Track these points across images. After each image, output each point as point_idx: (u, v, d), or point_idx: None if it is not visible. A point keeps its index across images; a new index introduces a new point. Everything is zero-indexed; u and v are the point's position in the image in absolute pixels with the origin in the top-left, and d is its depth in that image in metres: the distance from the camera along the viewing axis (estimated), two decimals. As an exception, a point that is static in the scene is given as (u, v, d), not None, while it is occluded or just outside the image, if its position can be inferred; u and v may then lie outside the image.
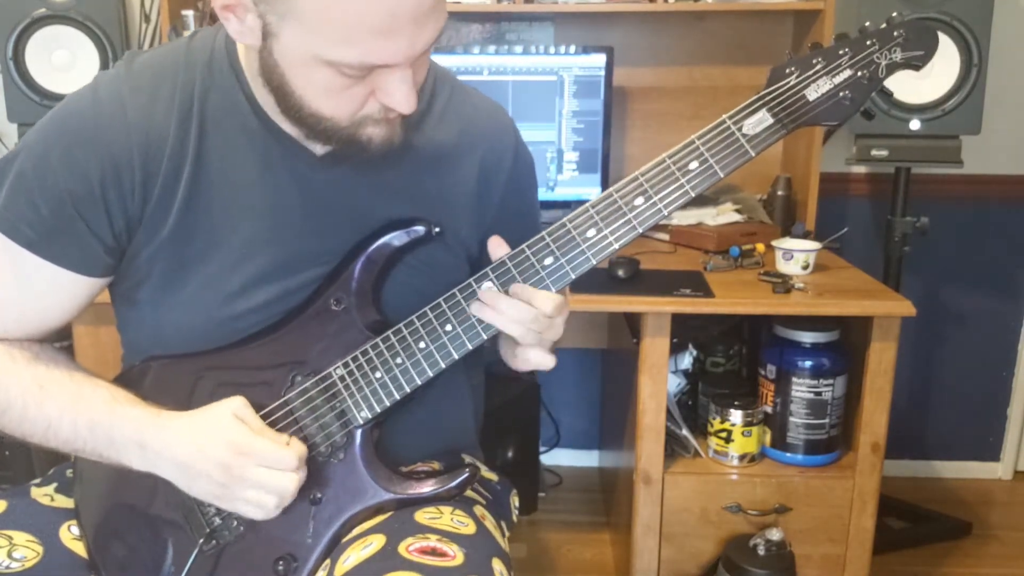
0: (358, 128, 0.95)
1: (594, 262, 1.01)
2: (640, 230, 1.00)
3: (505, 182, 1.13)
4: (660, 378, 1.84)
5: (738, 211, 2.25)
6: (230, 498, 0.97)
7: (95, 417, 0.99)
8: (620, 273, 1.87)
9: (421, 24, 0.86)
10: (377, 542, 0.97)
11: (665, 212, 1.00)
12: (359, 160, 1.00)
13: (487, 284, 1.01)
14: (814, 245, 1.98)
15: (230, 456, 0.95)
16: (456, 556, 0.95)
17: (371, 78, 0.90)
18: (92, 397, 1.01)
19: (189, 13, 2.21)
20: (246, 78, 1.01)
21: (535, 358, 1.05)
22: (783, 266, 1.96)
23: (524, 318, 0.99)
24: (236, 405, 0.98)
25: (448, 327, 1.01)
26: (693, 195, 1.00)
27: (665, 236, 2.26)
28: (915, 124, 2.09)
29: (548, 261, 1.00)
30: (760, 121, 0.99)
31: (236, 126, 1.02)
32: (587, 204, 1.00)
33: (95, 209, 0.99)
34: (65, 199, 0.98)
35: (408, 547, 0.95)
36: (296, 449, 0.97)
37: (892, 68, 1.00)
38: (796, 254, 1.94)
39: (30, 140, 1.01)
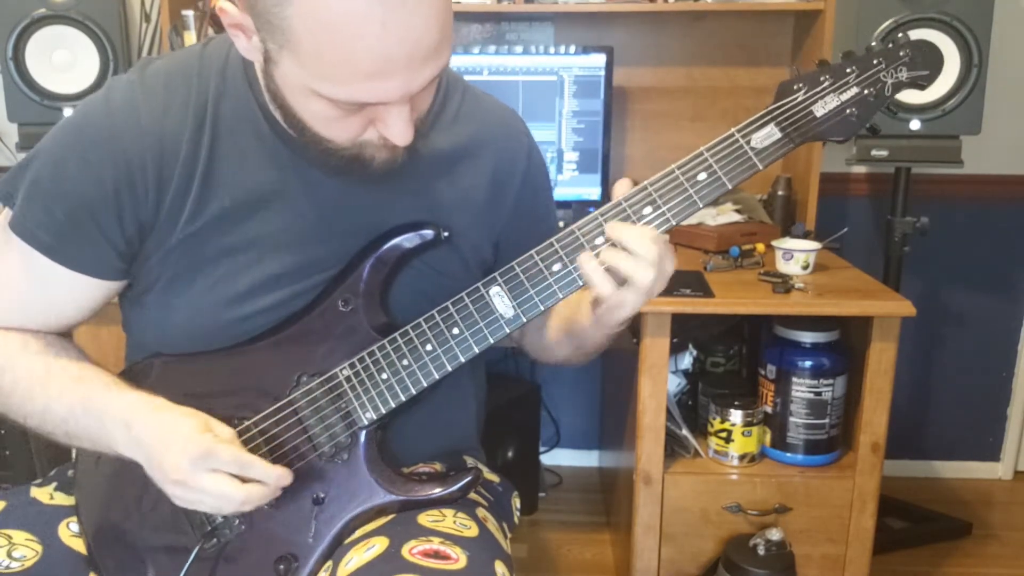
0: (360, 150, 0.95)
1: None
2: None
3: (519, 186, 1.14)
4: (660, 378, 1.84)
5: (738, 211, 2.25)
6: (180, 497, 0.95)
7: (91, 395, 1.00)
8: (621, 273, 1.87)
9: (417, 67, 0.85)
10: (380, 544, 0.97)
11: (673, 222, 1.01)
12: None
13: (495, 288, 1.01)
14: (814, 245, 1.98)
15: (181, 456, 0.92)
16: (459, 559, 0.95)
17: (368, 110, 0.90)
18: (93, 379, 1.02)
19: (189, 13, 2.20)
20: (259, 86, 1.01)
21: (634, 303, 0.98)
22: (783, 266, 1.96)
23: (649, 253, 0.94)
24: (207, 416, 0.96)
25: (455, 330, 1.01)
26: (701, 206, 1.01)
27: (665, 236, 2.25)
28: (915, 124, 2.09)
29: (556, 267, 1.00)
30: (768, 135, 1.00)
31: (249, 132, 1.02)
32: (596, 212, 1.01)
33: (109, 214, 1.00)
34: (80, 204, 0.99)
35: (411, 550, 0.95)
36: (264, 466, 0.94)
37: (898, 87, 1.02)
38: (796, 254, 1.94)
39: (45, 146, 1.01)
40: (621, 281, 0.96)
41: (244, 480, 0.94)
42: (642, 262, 0.94)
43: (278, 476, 0.95)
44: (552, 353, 1.20)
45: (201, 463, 0.92)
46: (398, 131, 0.91)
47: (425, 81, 0.88)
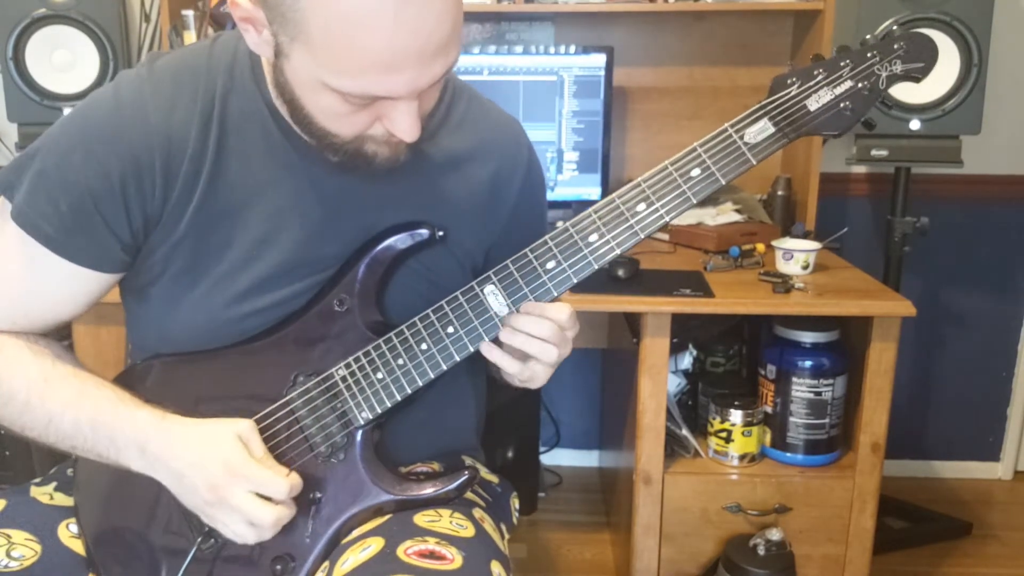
0: (363, 144, 0.96)
1: (596, 267, 1.01)
2: (642, 236, 1.01)
3: (516, 196, 1.14)
4: (660, 378, 1.84)
5: (738, 211, 2.25)
6: (212, 517, 0.98)
7: (98, 416, 1.00)
8: (620, 273, 1.87)
9: (427, 62, 0.86)
10: (376, 545, 0.97)
11: (667, 218, 1.00)
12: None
13: (490, 287, 1.01)
14: (814, 245, 1.98)
15: (222, 476, 0.95)
16: (454, 559, 0.95)
17: (377, 105, 0.91)
18: (97, 396, 1.01)
19: (189, 13, 2.21)
20: (267, 84, 1.01)
21: (544, 373, 1.06)
22: (783, 266, 1.96)
23: (544, 333, 1.00)
24: (242, 427, 0.98)
25: (450, 329, 1.02)
26: (695, 202, 1.01)
27: (665, 236, 2.26)
28: (915, 124, 2.09)
29: (550, 265, 1.01)
30: (762, 130, 1.00)
31: (255, 130, 1.02)
32: (590, 209, 1.01)
33: (115, 207, 1.00)
34: (86, 197, 0.99)
35: (406, 550, 0.95)
36: (291, 480, 0.97)
37: (892, 80, 1.01)
38: (796, 254, 1.94)
39: (51, 138, 1.01)
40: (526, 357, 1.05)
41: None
42: (547, 344, 1.02)
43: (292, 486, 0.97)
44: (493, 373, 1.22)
45: (242, 482, 0.95)
46: (406, 126, 0.91)
47: (435, 77, 0.89)
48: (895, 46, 1.01)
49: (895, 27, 1.99)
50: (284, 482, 0.95)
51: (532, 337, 1.01)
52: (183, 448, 0.97)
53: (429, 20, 0.83)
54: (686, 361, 2.06)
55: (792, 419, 1.90)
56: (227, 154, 1.02)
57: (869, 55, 1.01)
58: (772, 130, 1.00)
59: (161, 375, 1.08)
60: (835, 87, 1.00)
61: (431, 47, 0.85)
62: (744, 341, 2.19)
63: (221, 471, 0.95)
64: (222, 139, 1.02)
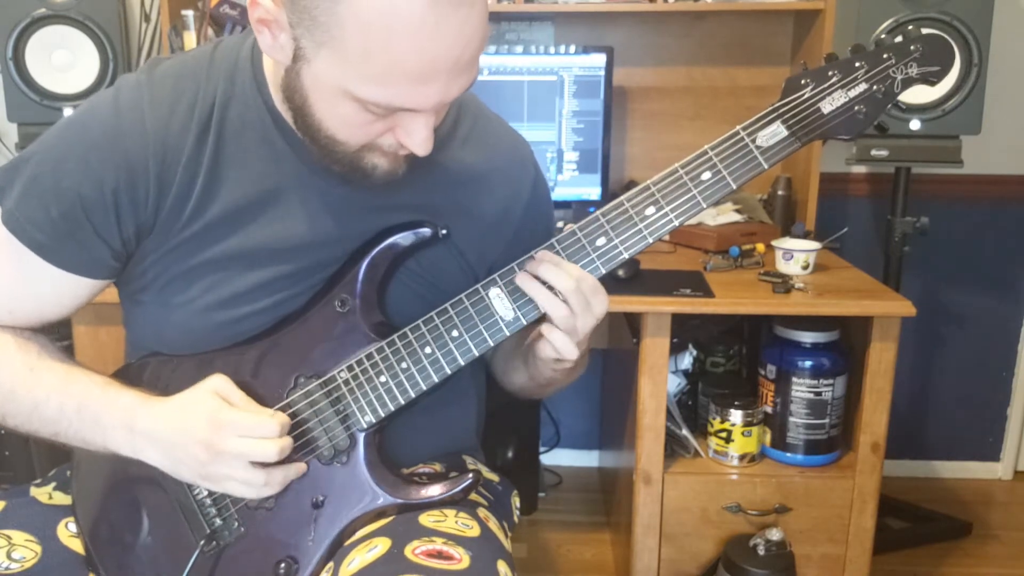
0: (366, 156, 0.95)
1: (603, 271, 1.01)
2: (651, 240, 1.00)
3: (521, 215, 1.14)
4: (660, 378, 1.84)
5: (738, 211, 2.25)
6: (215, 476, 0.97)
7: (84, 400, 1.00)
8: (620, 273, 1.87)
9: (456, 76, 0.86)
10: (383, 545, 0.97)
11: (676, 222, 1.00)
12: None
13: (495, 290, 1.01)
14: (814, 245, 1.98)
15: (209, 431, 0.95)
16: (462, 559, 0.95)
17: (394, 117, 0.90)
18: (83, 381, 1.02)
19: (189, 13, 2.20)
20: (269, 91, 1.00)
21: (559, 341, 1.01)
22: (783, 266, 1.96)
23: (566, 287, 0.97)
24: (215, 383, 0.98)
25: (455, 333, 1.01)
26: (705, 206, 0.99)
27: (665, 236, 2.25)
28: (915, 124, 2.08)
29: (557, 268, 1.00)
30: (774, 133, 0.98)
31: (256, 138, 1.02)
32: (598, 212, 1.00)
33: (106, 215, 1.00)
34: (77, 204, 0.99)
35: (414, 550, 0.95)
36: (277, 417, 0.97)
37: (908, 83, 0.99)
38: (796, 254, 1.94)
39: (48, 143, 1.01)
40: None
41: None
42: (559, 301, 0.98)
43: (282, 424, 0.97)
44: (510, 377, 1.21)
45: (231, 429, 0.95)
46: (420, 140, 0.91)
47: (460, 90, 0.89)
48: (911, 48, 0.99)
49: (896, 27, 1.99)
50: (272, 420, 0.96)
51: (547, 287, 0.98)
52: (166, 419, 0.97)
53: (466, 33, 0.83)
54: (686, 361, 2.06)
55: (792, 419, 1.90)
56: (225, 161, 1.01)
57: (884, 57, 0.99)
58: (785, 133, 0.98)
59: (157, 373, 1.08)
60: (849, 89, 0.98)
61: (464, 60, 0.85)
62: (744, 341, 2.19)
63: (207, 426, 0.95)
64: (220, 146, 1.01)
